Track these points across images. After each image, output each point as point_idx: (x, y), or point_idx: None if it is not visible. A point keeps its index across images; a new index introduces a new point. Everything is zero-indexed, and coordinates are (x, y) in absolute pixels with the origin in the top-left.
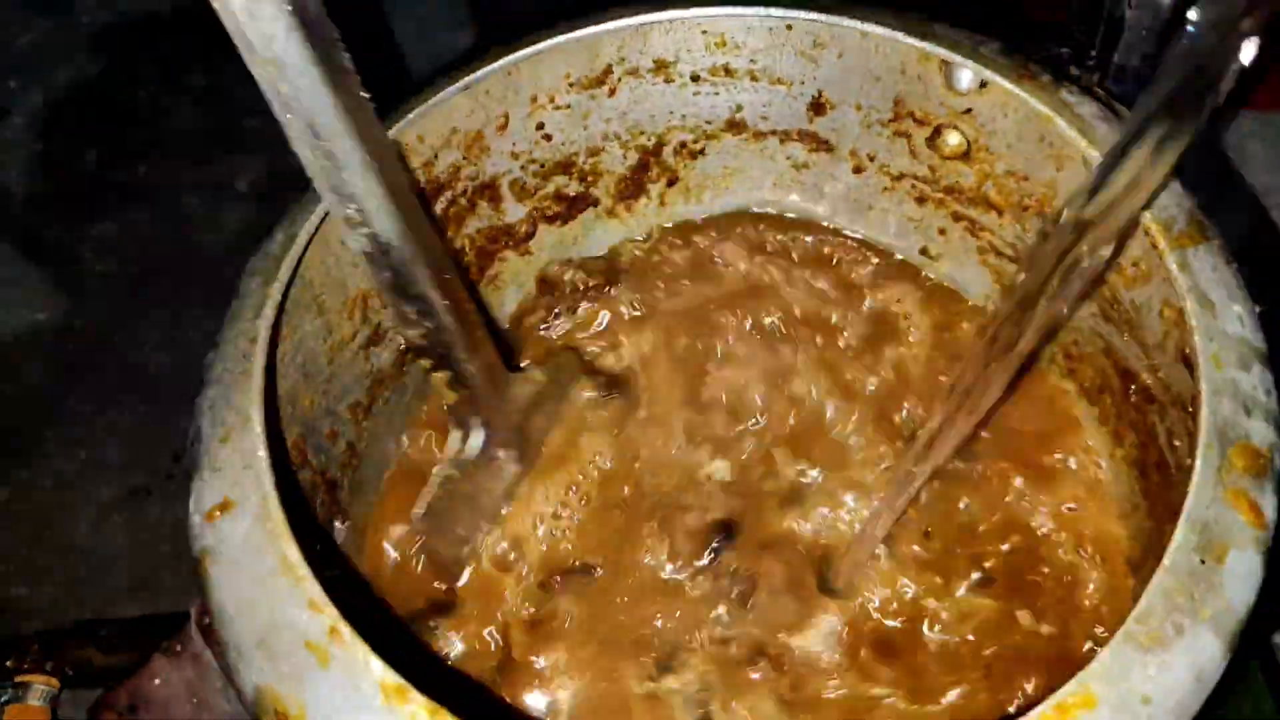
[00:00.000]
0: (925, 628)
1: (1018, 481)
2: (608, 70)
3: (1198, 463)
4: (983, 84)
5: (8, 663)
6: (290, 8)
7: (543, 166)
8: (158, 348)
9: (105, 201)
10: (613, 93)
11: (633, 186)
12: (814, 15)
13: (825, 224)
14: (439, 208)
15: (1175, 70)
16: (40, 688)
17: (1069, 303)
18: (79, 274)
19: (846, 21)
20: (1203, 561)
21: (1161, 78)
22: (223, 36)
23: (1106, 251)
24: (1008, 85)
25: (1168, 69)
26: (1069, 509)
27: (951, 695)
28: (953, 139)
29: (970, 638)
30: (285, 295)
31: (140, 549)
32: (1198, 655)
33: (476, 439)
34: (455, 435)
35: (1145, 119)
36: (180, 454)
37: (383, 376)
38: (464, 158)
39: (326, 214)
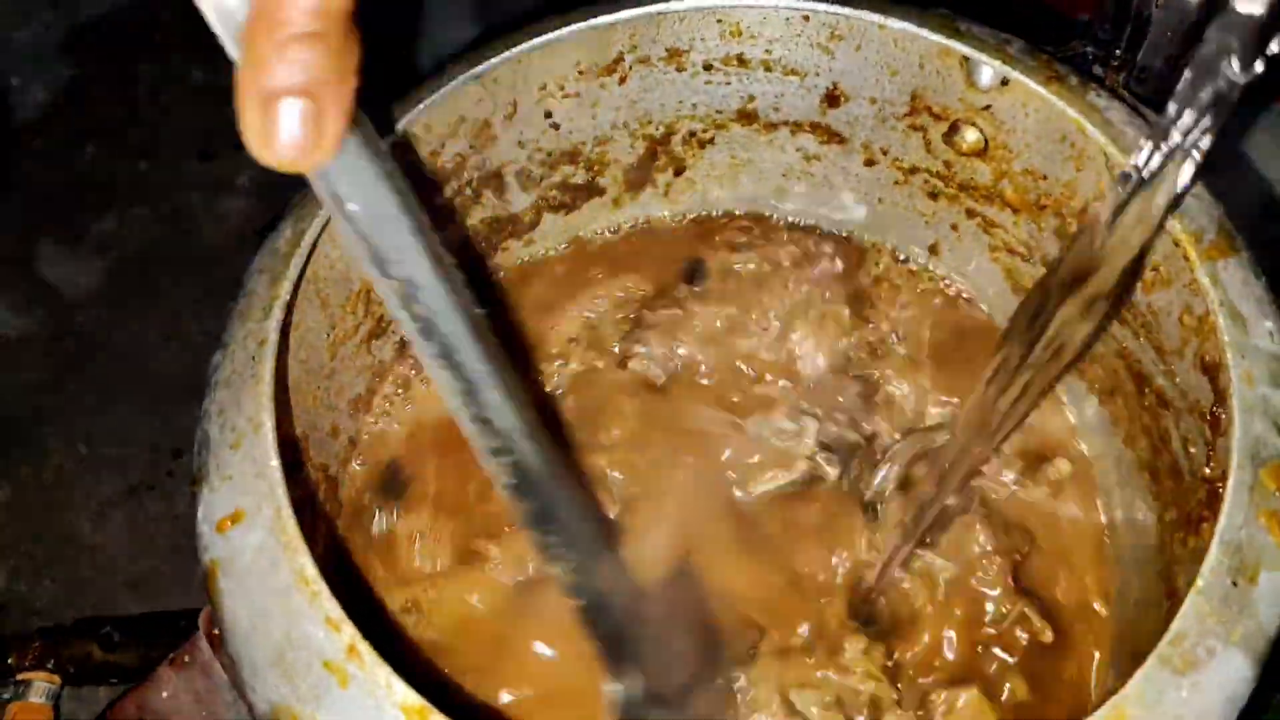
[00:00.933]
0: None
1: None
2: (619, 59)
3: (1230, 483)
4: (1004, 81)
5: (9, 660)
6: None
7: (549, 155)
8: (158, 344)
9: (105, 198)
10: (623, 81)
11: (639, 176)
12: (833, 7)
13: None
14: (444, 198)
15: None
16: (42, 685)
17: (1097, 316)
18: (80, 270)
19: (866, 15)
20: (1235, 583)
21: (1189, 83)
22: None
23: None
24: (1032, 85)
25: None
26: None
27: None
28: (970, 135)
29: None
30: (293, 294)
31: (141, 545)
32: (1229, 678)
33: None
34: None
35: (1171, 124)
36: (181, 451)
37: (383, 369)
38: (471, 147)
39: None
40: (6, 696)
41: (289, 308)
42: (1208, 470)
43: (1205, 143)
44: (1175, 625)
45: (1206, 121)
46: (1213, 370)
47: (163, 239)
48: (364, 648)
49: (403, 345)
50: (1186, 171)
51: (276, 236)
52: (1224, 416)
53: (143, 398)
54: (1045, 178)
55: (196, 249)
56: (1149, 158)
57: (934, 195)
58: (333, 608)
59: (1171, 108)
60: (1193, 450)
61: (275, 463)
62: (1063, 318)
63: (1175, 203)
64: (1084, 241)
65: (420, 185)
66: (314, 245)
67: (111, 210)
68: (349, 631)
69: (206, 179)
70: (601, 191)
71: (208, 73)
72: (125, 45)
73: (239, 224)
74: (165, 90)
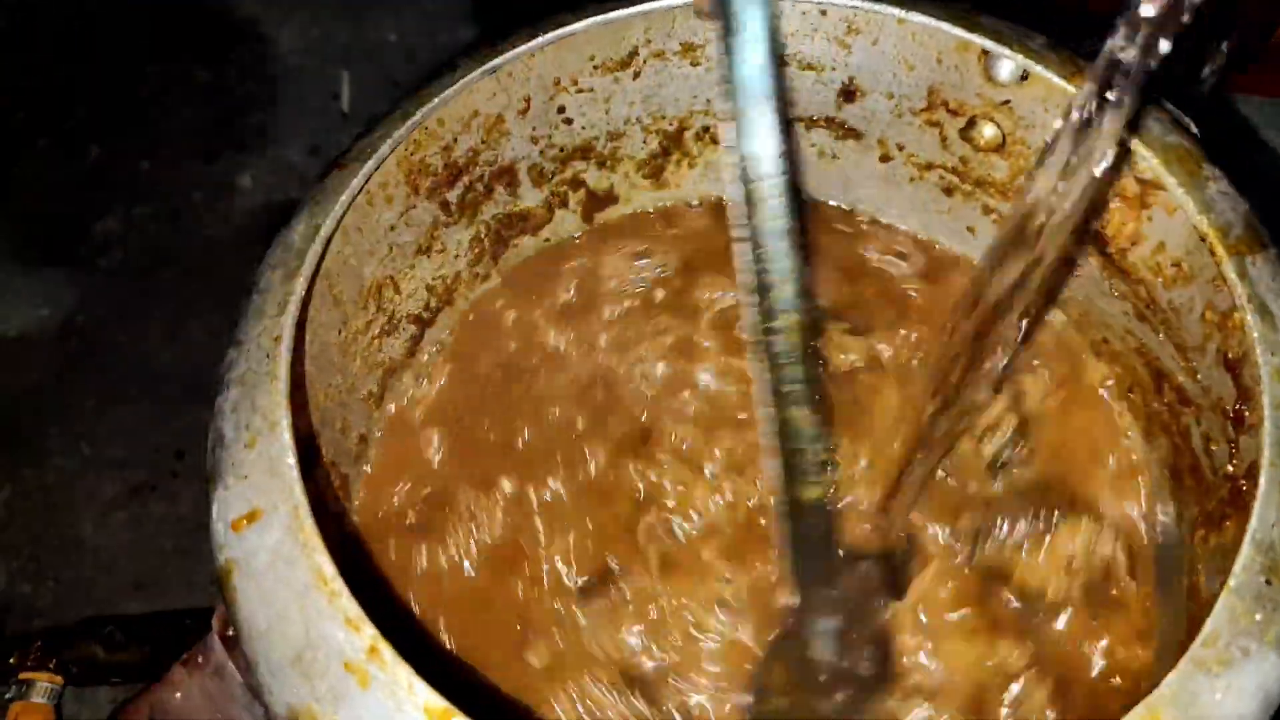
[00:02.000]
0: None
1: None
2: (633, 53)
3: (1261, 480)
4: (1024, 76)
5: (11, 660)
6: None
7: (562, 151)
8: (161, 344)
9: (109, 198)
10: (637, 75)
11: (651, 171)
12: (850, 0)
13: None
14: (456, 193)
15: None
16: (44, 685)
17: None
18: (82, 270)
19: (885, 8)
20: (1268, 582)
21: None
22: (225, 32)
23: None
24: (1054, 79)
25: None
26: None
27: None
28: (987, 130)
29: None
30: (308, 290)
31: (143, 546)
32: (1264, 678)
33: None
34: None
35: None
36: (183, 451)
37: (395, 366)
38: (483, 142)
39: (349, 205)
40: (9, 696)
41: (304, 304)
42: (1230, 468)
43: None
44: (1208, 625)
45: (1140, 55)
46: (1236, 367)
47: (165, 239)
48: (385, 648)
49: (413, 343)
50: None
51: (289, 232)
52: (1248, 413)
53: (145, 398)
54: None
55: (199, 249)
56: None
57: (949, 191)
58: (352, 607)
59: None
60: (1214, 448)
61: (292, 461)
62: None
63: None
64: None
65: (434, 179)
66: (328, 241)
67: (114, 210)
68: (369, 632)
69: (209, 179)
70: (613, 186)
71: (211, 73)
72: (129, 46)
73: (242, 224)
74: (169, 90)
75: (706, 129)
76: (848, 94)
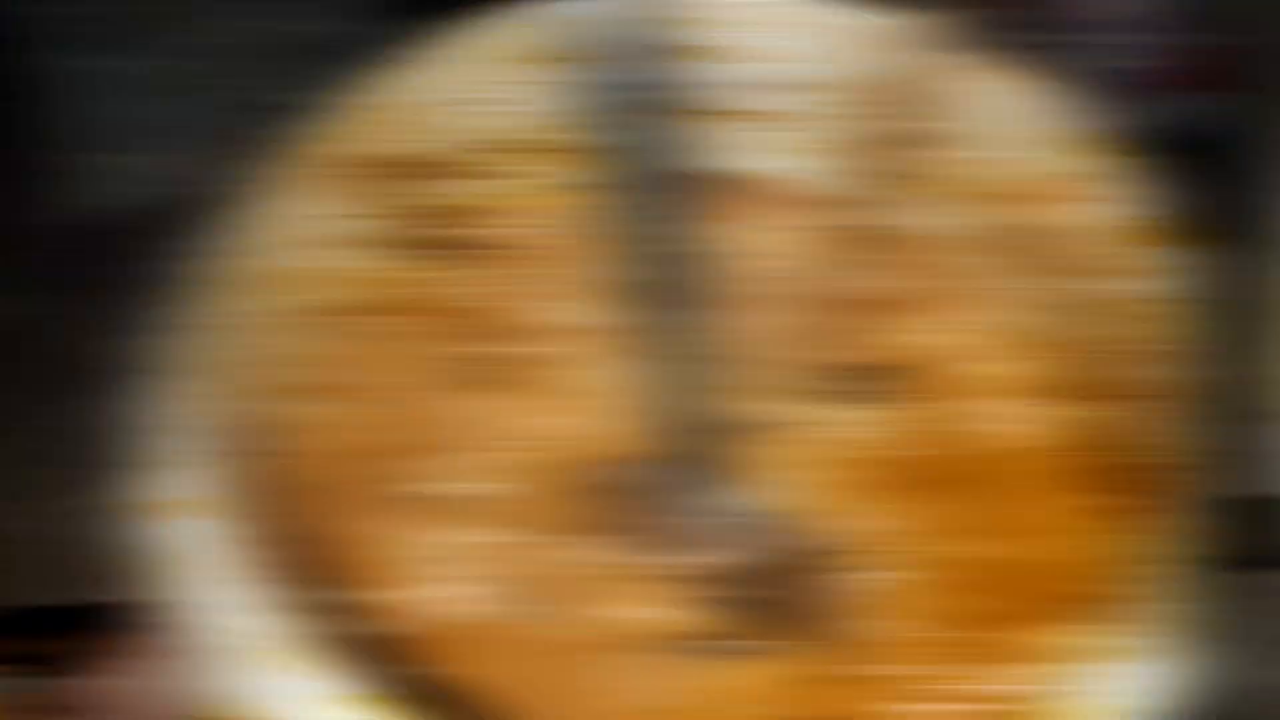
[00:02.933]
0: None
1: None
2: None
3: None
4: None
5: None
6: None
7: None
8: (97, 334)
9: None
10: None
11: None
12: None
13: None
14: None
15: None
16: None
17: None
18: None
19: (866, 8)
20: None
21: None
22: None
23: None
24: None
25: None
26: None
27: None
28: None
29: None
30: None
31: (75, 536)
32: None
33: None
34: None
35: None
36: (108, 437)
37: None
38: None
39: None
40: None
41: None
42: None
43: None
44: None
45: None
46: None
47: None
48: (321, 637)
49: None
50: None
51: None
52: None
53: (75, 392)
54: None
55: None
56: None
57: None
58: (289, 596)
59: None
60: None
61: (229, 446)
62: None
63: None
64: None
65: None
66: None
67: None
68: (305, 620)
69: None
70: None
71: None
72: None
73: None
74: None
75: None
76: (832, 90)
